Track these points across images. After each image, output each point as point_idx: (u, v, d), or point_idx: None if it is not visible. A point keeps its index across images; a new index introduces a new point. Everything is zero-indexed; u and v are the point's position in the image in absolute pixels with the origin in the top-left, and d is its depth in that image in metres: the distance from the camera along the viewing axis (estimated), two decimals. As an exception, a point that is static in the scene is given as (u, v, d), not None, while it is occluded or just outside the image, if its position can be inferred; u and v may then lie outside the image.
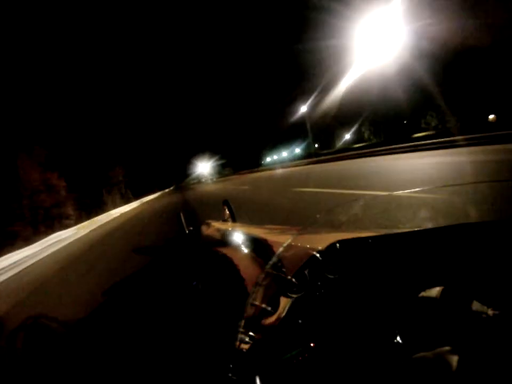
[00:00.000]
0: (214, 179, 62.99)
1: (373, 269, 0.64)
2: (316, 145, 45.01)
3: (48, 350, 2.26)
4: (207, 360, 0.62)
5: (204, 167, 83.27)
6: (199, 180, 78.44)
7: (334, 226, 1.01)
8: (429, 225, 0.73)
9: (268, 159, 69.18)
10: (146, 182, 63.35)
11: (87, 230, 16.63)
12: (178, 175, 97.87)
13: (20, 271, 8.25)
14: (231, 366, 0.46)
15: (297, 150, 54.35)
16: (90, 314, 2.79)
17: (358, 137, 35.15)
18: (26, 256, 9.67)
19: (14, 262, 8.90)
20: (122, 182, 45.50)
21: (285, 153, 59.73)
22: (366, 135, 33.25)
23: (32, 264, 8.90)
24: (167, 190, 70.27)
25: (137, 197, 41.98)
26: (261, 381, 0.44)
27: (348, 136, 38.01)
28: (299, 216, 4.49)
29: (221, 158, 79.86)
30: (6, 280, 7.49)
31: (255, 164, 65.57)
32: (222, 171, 78.22)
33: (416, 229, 0.74)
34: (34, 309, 3.88)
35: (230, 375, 0.44)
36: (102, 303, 3.08)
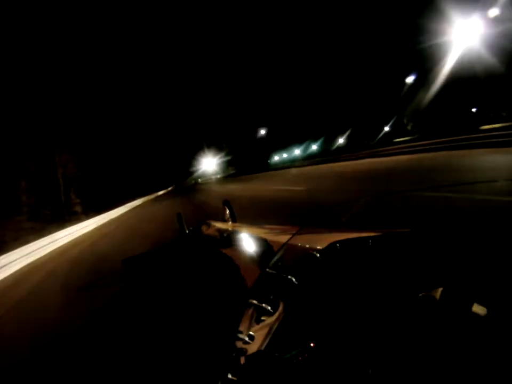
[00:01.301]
0: (218, 177, 55.94)
1: (373, 269, 0.64)
2: (341, 140, 40.09)
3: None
4: (207, 360, 0.61)
5: (208, 164, 75.53)
6: (196, 181, 67.69)
7: (334, 226, 1.01)
8: (430, 224, 0.73)
9: (276, 158, 59.81)
10: (139, 181, 40.82)
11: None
12: (181, 172, 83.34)
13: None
14: (231, 366, 0.45)
15: (314, 147, 47.58)
16: (90, 317, 2.79)
17: (395, 130, 29.17)
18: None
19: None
20: (67, 179, 19.90)
21: (297, 151, 51.48)
22: (409, 127, 27.88)
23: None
24: (161, 193, 48.37)
25: (98, 211, 17.70)
26: (261, 381, 0.44)
27: (386, 129, 32.30)
28: None
29: (226, 155, 70.07)
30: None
31: (262, 162, 56.61)
32: (226, 170, 73.65)
33: (416, 229, 0.74)
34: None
35: (230, 375, 0.43)
36: (101, 305, 3.08)
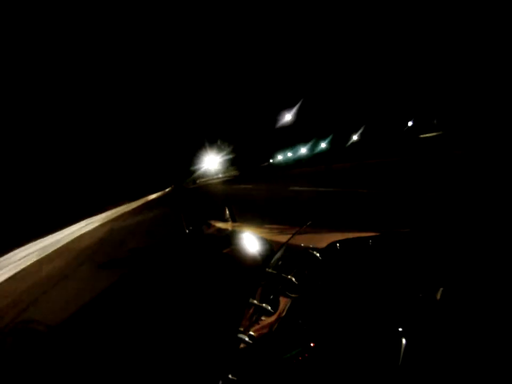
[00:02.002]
0: (221, 175, 53.69)
1: (373, 269, 0.64)
2: (355, 137, 36.94)
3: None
4: (207, 360, 0.62)
5: (210, 163, 68.52)
6: (194, 181, 60.27)
7: (334, 226, 1.02)
8: (430, 224, 0.73)
9: (280, 157, 55.37)
10: (130, 181, 34.54)
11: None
12: (181, 171, 74.11)
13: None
14: (231, 366, 0.45)
15: (323, 145, 43.70)
16: (83, 316, 2.78)
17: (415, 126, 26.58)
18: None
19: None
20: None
21: (303, 150, 47.26)
22: (435, 122, 24.96)
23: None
24: (153, 197, 29.56)
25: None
26: (261, 381, 0.44)
27: (410, 123, 29.82)
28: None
29: (230, 153, 64.88)
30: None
31: (263, 161, 52.38)
32: (228, 169, 70.54)
33: (416, 229, 0.74)
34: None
35: (230, 375, 0.43)
36: (99, 303, 3.07)
